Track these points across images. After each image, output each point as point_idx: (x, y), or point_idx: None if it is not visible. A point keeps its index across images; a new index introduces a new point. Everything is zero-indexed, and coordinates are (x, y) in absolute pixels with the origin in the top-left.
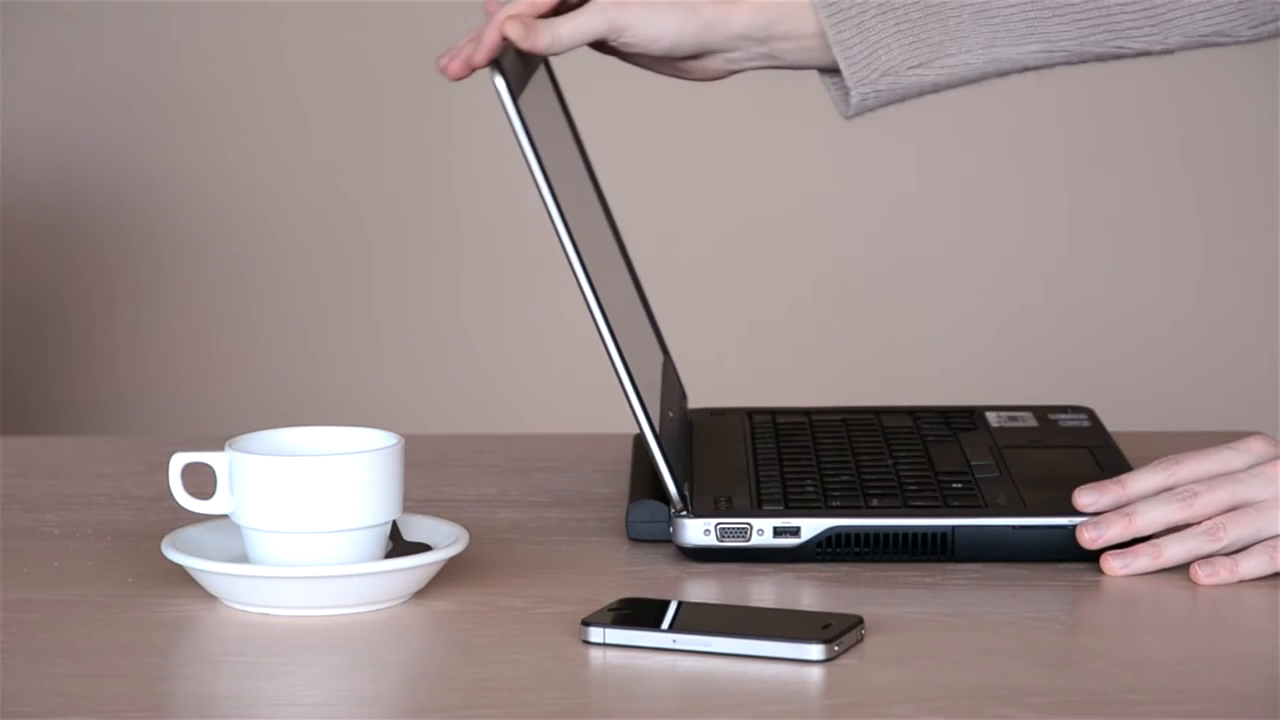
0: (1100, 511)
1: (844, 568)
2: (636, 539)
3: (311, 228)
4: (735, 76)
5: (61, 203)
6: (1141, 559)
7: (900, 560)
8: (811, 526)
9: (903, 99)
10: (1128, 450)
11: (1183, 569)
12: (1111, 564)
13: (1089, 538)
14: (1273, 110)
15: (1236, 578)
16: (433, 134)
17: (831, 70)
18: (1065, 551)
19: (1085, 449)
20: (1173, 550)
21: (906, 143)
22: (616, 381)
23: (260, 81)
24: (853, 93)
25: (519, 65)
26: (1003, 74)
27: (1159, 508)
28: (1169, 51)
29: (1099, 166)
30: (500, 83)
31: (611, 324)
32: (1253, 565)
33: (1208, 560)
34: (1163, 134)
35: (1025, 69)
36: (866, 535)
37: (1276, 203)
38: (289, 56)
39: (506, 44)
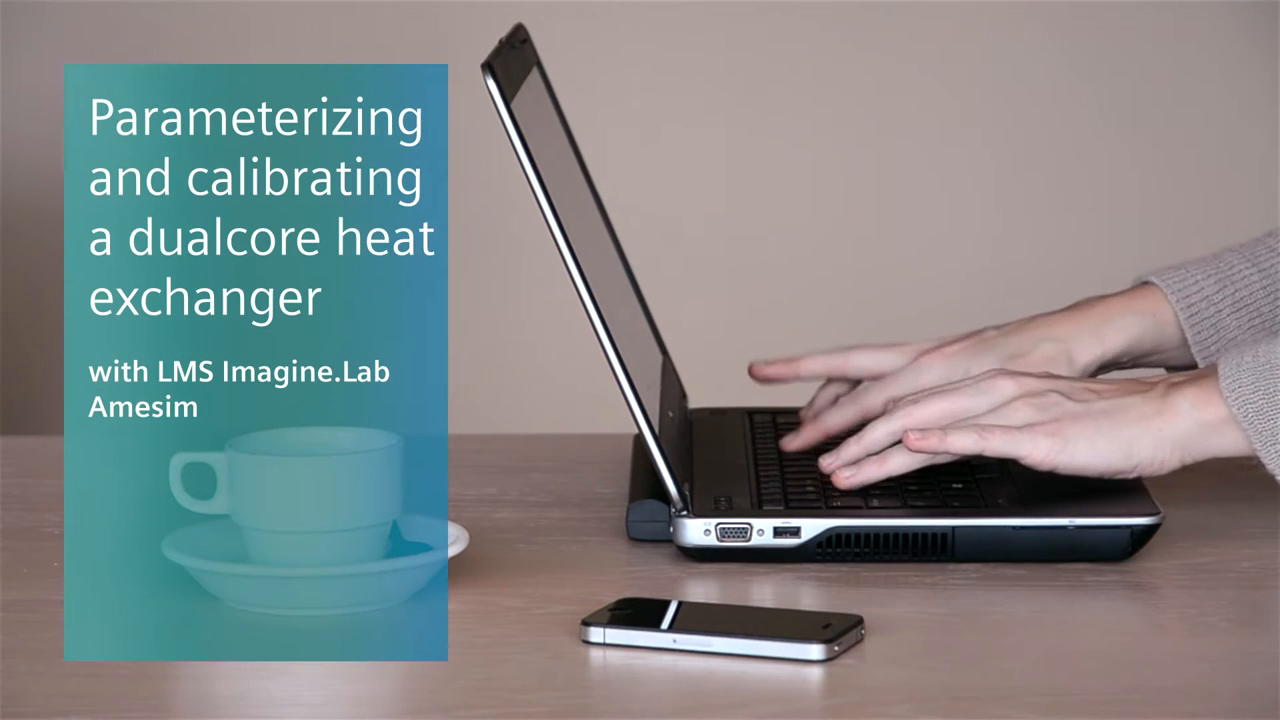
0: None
1: (844, 568)
2: (636, 539)
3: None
4: (731, 68)
5: (61, 202)
6: (868, 469)
7: (900, 560)
8: (812, 526)
9: None
10: None
11: (1183, 569)
12: (841, 476)
13: (844, 478)
14: (1273, 109)
15: (945, 447)
16: None
17: None
18: (1065, 551)
19: None
20: (895, 460)
21: (907, 144)
22: (615, 382)
23: None
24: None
25: (512, 67)
26: None
27: (884, 424)
28: None
29: (1098, 168)
30: (493, 85)
31: (609, 325)
32: (961, 440)
33: (920, 433)
34: (1161, 134)
35: None
36: (866, 535)
37: (1277, 203)
38: (292, 55)
39: (499, 44)
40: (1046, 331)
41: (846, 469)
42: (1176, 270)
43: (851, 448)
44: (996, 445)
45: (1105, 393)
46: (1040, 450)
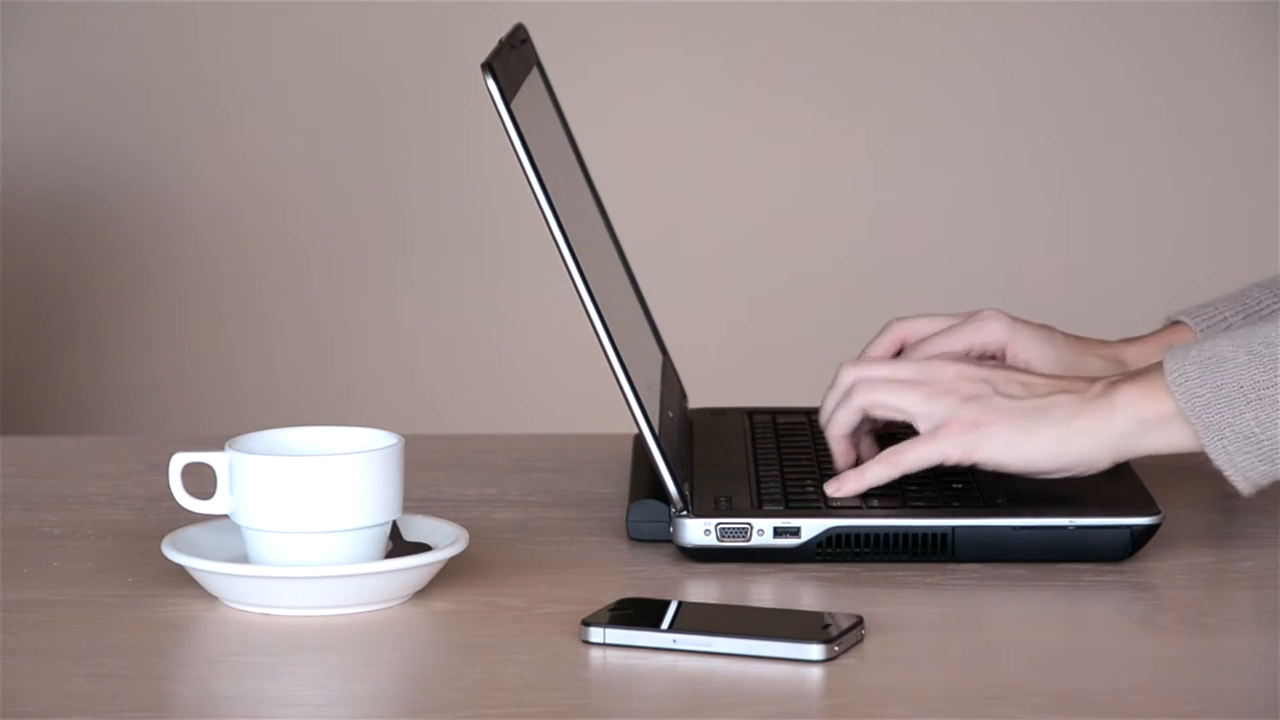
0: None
1: (844, 568)
2: (636, 539)
3: (313, 228)
4: (732, 67)
5: (63, 200)
6: (849, 482)
7: (900, 560)
8: (812, 526)
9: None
10: None
11: (1183, 569)
12: (828, 488)
13: (830, 491)
14: (1273, 109)
15: (865, 485)
16: (433, 134)
17: None
18: (1065, 551)
19: None
20: (871, 473)
21: (908, 143)
22: (615, 382)
23: (263, 80)
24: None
25: (512, 67)
26: None
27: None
28: None
29: (1098, 167)
30: (493, 85)
31: (609, 325)
32: (876, 473)
33: (834, 479)
34: (1159, 136)
35: None
36: (866, 535)
37: (1277, 203)
38: (292, 55)
39: (499, 44)
40: (1100, 350)
41: (830, 483)
42: (1204, 308)
43: (830, 441)
44: (909, 464)
45: (1038, 389)
46: (957, 450)
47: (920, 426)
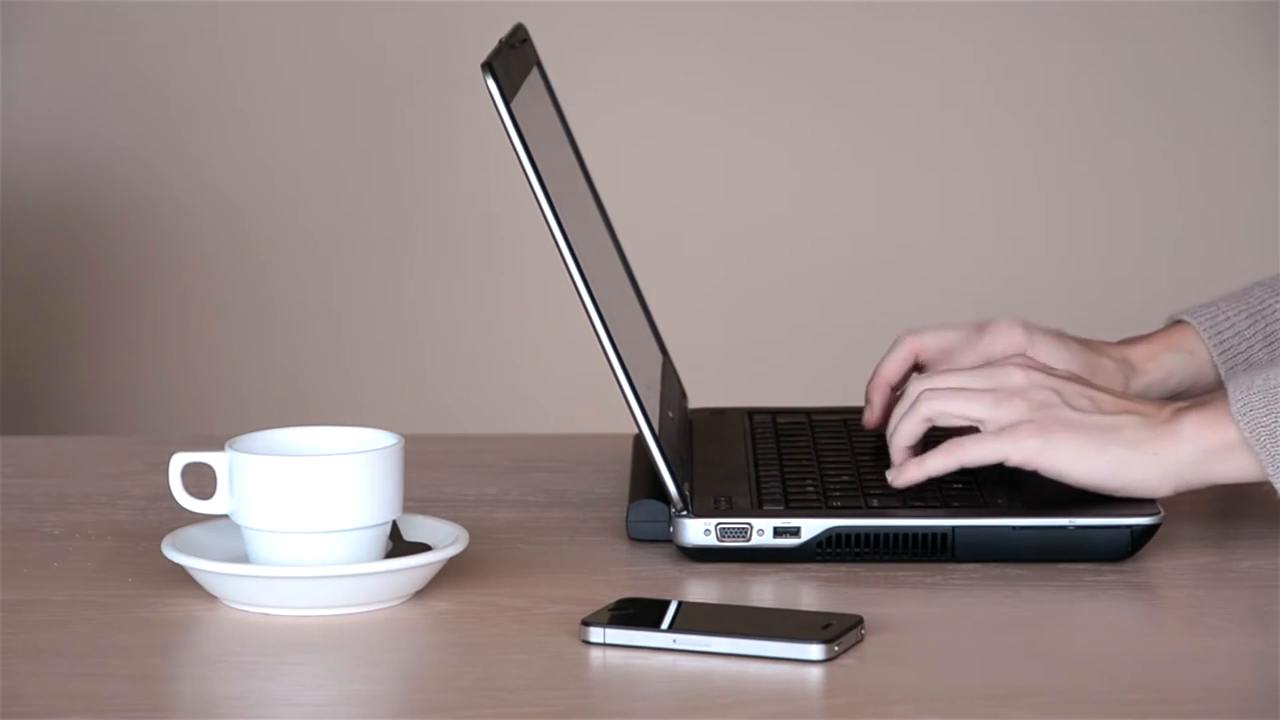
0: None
1: (844, 568)
2: (636, 539)
3: (312, 228)
4: (732, 67)
5: (65, 197)
6: (909, 471)
7: (900, 560)
8: (812, 526)
9: None
10: None
11: (1183, 569)
12: (889, 476)
13: (889, 479)
14: (1273, 109)
15: (924, 474)
16: (434, 134)
17: None
18: (1065, 551)
19: None
20: (932, 463)
21: (908, 144)
22: (615, 382)
23: (264, 78)
24: None
25: (512, 67)
26: None
27: (906, 422)
28: None
29: (1096, 168)
30: (493, 85)
31: (609, 325)
32: (937, 462)
33: (893, 468)
34: (1159, 136)
35: None
36: (866, 535)
37: (1277, 203)
38: (293, 54)
39: (499, 44)
40: (1109, 351)
41: (890, 471)
42: (1208, 307)
43: (893, 452)
44: (970, 458)
45: (1107, 407)
46: (1022, 451)
47: (987, 430)
